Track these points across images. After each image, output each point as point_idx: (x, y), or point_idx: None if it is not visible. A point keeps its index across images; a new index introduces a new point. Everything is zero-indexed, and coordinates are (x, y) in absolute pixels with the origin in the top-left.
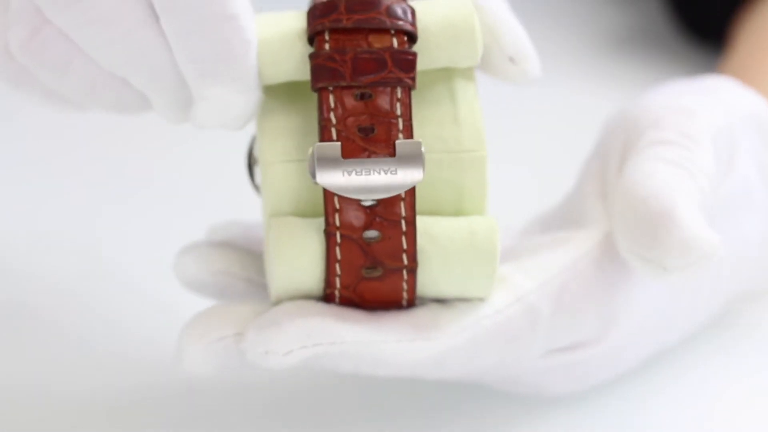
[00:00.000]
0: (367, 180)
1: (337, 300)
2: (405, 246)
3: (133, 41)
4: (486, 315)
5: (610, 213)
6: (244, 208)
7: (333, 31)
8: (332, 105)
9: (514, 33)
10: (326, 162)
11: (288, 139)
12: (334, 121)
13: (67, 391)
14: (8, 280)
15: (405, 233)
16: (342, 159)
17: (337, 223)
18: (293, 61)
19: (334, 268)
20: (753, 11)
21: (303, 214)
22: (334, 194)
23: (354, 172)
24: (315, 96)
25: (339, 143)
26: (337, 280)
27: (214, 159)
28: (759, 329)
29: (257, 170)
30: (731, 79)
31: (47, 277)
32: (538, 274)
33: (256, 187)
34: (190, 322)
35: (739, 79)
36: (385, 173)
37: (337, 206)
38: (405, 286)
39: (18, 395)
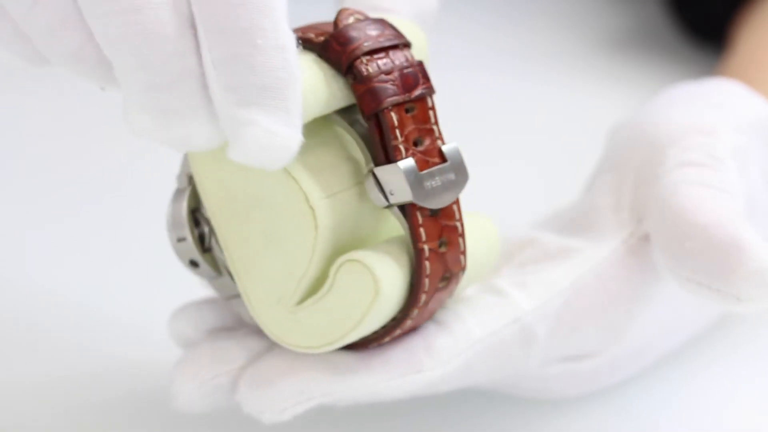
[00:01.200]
0: (441, 188)
1: (408, 322)
2: (462, 248)
3: (138, 19)
4: (479, 339)
5: (623, 227)
6: None
7: (365, 54)
8: (395, 123)
9: None
10: (412, 179)
11: (320, 174)
12: (400, 138)
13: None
14: None
15: (461, 236)
16: (419, 173)
17: (423, 237)
18: (329, 96)
19: (424, 283)
20: (753, 11)
21: (353, 245)
22: (417, 209)
23: (429, 184)
24: (318, 128)
25: (412, 159)
26: (423, 297)
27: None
28: (764, 331)
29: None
30: (736, 82)
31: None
32: (539, 293)
33: (199, 263)
34: (182, 361)
35: (739, 80)
36: (448, 180)
37: (420, 220)
38: (453, 291)
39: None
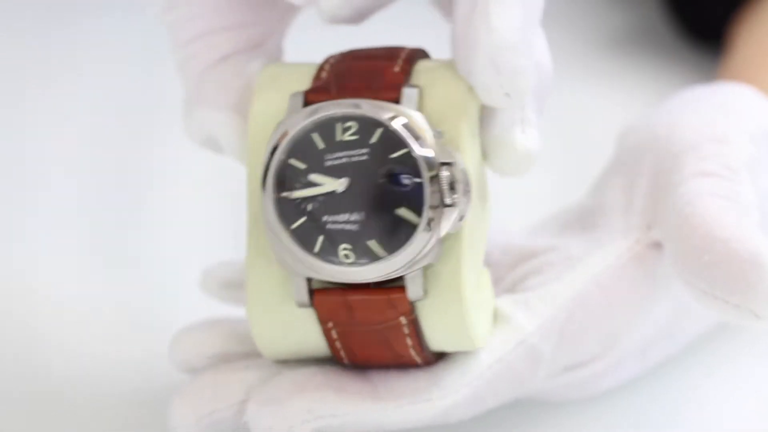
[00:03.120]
0: None
1: None
2: None
3: None
4: (488, 366)
5: (631, 231)
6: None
7: None
8: None
9: None
10: None
11: None
12: None
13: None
14: None
15: None
16: None
17: None
18: None
19: None
20: (752, 11)
21: None
22: None
23: None
24: None
25: None
26: None
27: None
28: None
29: None
30: (748, 87)
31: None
32: (541, 310)
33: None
34: (182, 394)
35: (739, 81)
36: None
37: None
38: None
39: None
